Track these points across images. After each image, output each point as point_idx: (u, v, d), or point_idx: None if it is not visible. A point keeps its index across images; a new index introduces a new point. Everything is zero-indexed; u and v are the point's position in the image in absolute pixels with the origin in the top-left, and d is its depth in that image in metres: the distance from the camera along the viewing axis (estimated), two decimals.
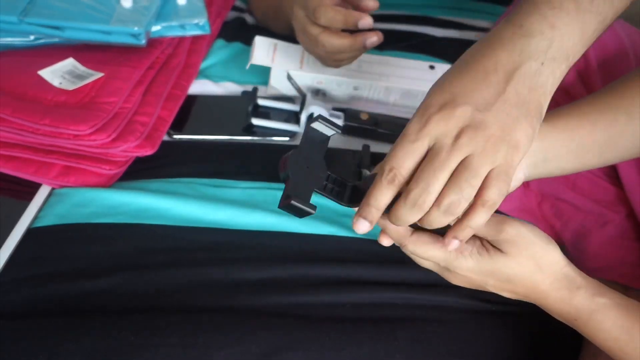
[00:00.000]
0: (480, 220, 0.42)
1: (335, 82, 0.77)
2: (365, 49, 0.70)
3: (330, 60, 0.71)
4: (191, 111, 0.76)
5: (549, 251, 0.48)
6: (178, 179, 0.67)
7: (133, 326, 0.52)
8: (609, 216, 0.66)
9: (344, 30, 0.69)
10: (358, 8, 0.68)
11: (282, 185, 0.66)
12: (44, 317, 0.52)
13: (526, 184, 0.72)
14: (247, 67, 0.78)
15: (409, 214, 0.43)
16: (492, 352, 0.56)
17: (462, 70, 0.44)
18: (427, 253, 0.47)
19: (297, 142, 0.73)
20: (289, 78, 0.77)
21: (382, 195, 0.43)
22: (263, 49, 0.78)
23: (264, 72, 0.81)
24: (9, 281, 0.55)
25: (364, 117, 0.74)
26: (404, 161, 0.42)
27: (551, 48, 0.43)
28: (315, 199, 0.68)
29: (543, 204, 0.71)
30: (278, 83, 0.79)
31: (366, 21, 0.66)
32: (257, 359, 0.51)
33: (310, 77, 0.77)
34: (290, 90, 0.79)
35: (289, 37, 0.80)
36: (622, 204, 0.66)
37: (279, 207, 0.44)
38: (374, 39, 0.68)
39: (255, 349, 0.51)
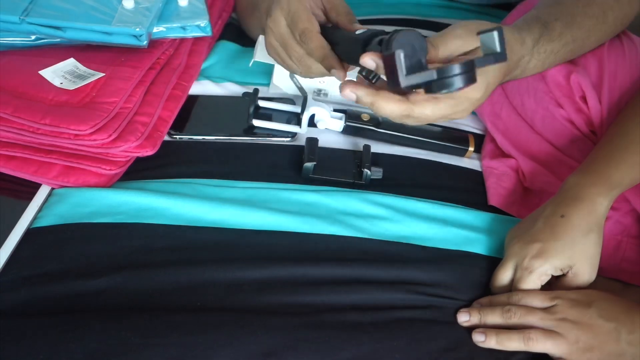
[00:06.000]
0: None
1: (337, 82, 0.77)
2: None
3: (299, 71, 0.65)
4: (192, 111, 0.76)
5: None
6: (178, 179, 0.67)
7: (133, 326, 0.51)
8: (608, 213, 0.66)
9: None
10: (339, 23, 0.62)
11: (281, 186, 0.67)
12: (44, 317, 0.52)
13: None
14: (250, 64, 0.77)
15: None
16: (487, 351, 0.56)
17: None
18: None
19: (297, 142, 0.73)
20: (292, 77, 0.77)
21: None
22: None
23: (265, 73, 0.81)
24: (9, 281, 0.55)
25: (364, 117, 0.74)
26: None
27: None
28: (315, 196, 0.67)
29: (543, 201, 0.71)
30: (280, 81, 0.79)
31: (340, 75, 0.60)
32: (257, 359, 0.51)
33: None
34: (292, 89, 0.79)
35: None
36: (623, 201, 0.66)
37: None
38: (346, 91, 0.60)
39: (255, 349, 0.51)
